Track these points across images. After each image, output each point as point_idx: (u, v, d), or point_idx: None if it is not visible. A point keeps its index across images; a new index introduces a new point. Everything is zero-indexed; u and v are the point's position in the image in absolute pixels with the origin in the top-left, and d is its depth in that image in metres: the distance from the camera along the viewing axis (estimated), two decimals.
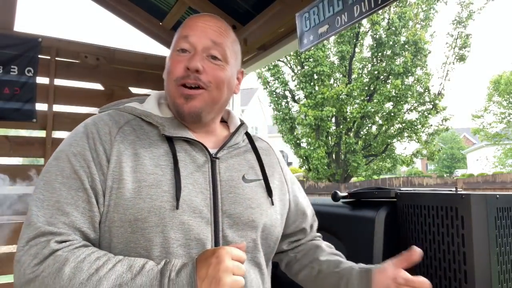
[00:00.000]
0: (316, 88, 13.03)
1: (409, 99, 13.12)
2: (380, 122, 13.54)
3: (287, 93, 14.07)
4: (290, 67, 14.01)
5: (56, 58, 3.01)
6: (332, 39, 13.33)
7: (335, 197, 1.23)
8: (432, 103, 13.42)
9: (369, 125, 13.77)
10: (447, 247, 0.93)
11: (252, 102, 20.19)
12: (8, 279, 2.91)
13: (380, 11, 11.23)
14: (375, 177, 14.09)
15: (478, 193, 0.93)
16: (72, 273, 0.68)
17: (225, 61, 0.90)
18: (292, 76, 13.90)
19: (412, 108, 13.78)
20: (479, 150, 25.83)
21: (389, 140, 13.58)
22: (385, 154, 13.84)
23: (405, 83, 12.84)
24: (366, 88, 13.09)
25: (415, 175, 19.51)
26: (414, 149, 14.52)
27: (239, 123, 1.01)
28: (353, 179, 14.99)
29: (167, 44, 3.42)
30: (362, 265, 0.94)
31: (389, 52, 12.78)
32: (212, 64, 0.87)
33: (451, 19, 14.63)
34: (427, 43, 12.85)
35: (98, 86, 3.14)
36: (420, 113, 13.66)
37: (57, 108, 2.89)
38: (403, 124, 13.57)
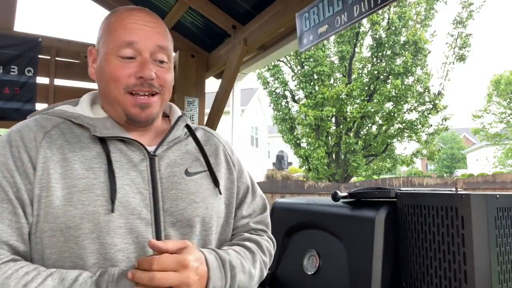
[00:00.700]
0: (316, 88, 13.03)
1: (409, 99, 13.12)
2: (380, 122, 13.54)
3: (287, 93, 14.07)
4: (290, 67, 14.00)
5: (56, 58, 3.01)
6: (332, 39, 13.33)
7: (335, 197, 1.23)
8: (432, 103, 13.42)
9: (369, 125, 13.77)
10: (447, 247, 0.93)
11: (252, 102, 20.18)
12: None
13: (380, 11, 11.22)
14: (375, 177, 14.09)
15: (478, 193, 0.93)
16: None
17: (170, 61, 0.90)
18: (292, 76, 13.90)
19: (412, 108, 13.78)
20: (479, 150, 25.82)
21: (389, 140, 13.57)
22: (385, 154, 13.84)
23: (405, 83, 12.83)
24: (366, 88, 13.09)
25: (415, 175, 19.50)
26: (414, 149, 14.51)
27: (178, 115, 0.97)
28: (353, 179, 14.99)
29: None
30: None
31: (389, 52, 12.78)
32: (160, 68, 0.86)
33: (451, 19, 14.61)
34: (427, 43, 12.84)
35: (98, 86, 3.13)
36: (420, 113, 13.65)
37: None
38: (403, 124, 13.57)
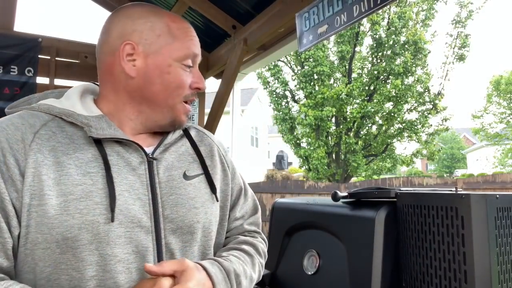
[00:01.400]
0: (316, 88, 13.03)
1: (409, 99, 13.12)
2: (380, 122, 13.54)
3: (287, 93, 14.07)
4: (290, 67, 14.00)
5: (56, 58, 3.01)
6: (332, 39, 13.33)
7: (335, 197, 1.23)
8: (432, 103, 13.43)
9: (369, 125, 13.77)
10: (447, 247, 0.93)
11: (252, 102, 20.18)
12: None
13: (379, 11, 11.22)
14: (375, 177, 14.08)
15: (478, 193, 0.93)
16: None
17: None
18: (292, 76, 13.90)
19: (412, 108, 13.78)
20: (479, 150, 25.83)
21: (389, 140, 13.58)
22: (385, 154, 13.84)
23: (405, 83, 12.83)
24: (366, 88, 13.09)
25: (415, 175, 19.50)
26: (414, 149, 14.51)
27: None
28: (353, 179, 14.99)
29: None
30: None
31: (389, 52, 12.78)
32: None
33: (451, 19, 14.59)
34: (427, 43, 12.85)
35: None
36: (420, 113, 13.66)
37: None
38: (403, 124, 13.57)
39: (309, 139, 13.35)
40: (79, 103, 0.80)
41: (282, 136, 14.48)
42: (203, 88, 0.85)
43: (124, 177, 0.75)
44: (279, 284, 1.43)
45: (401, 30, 12.71)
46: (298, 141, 14.00)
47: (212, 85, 3.86)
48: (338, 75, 13.66)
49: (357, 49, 13.50)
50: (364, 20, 12.40)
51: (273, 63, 13.07)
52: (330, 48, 13.56)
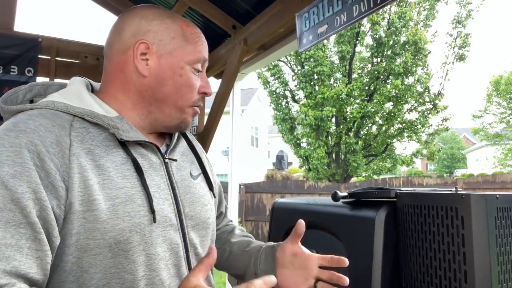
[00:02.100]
0: (316, 88, 13.03)
1: (409, 99, 13.13)
2: (380, 122, 13.54)
3: (287, 93, 14.08)
4: (290, 67, 14.01)
5: (56, 58, 3.01)
6: (332, 39, 13.33)
7: (335, 197, 1.23)
8: (432, 103, 13.43)
9: (369, 125, 13.77)
10: (447, 247, 0.93)
11: (252, 102, 20.19)
12: None
13: (380, 11, 11.22)
14: (375, 177, 14.09)
15: (478, 193, 0.93)
16: None
17: None
18: (292, 76, 13.91)
19: (412, 108, 13.79)
20: (479, 150, 25.84)
21: (389, 140, 13.58)
22: (385, 154, 13.85)
23: (405, 83, 12.84)
24: (366, 88, 13.09)
25: (415, 175, 19.50)
26: (414, 149, 14.52)
27: None
28: (353, 179, 14.99)
29: None
30: (270, 243, 0.96)
31: (389, 52, 12.78)
32: None
33: (451, 19, 14.60)
34: (427, 43, 12.85)
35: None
36: (420, 113, 13.66)
37: None
38: (403, 124, 13.57)
39: (309, 139, 13.36)
40: (95, 103, 0.78)
41: (282, 136, 14.49)
42: (210, 93, 0.87)
43: (152, 179, 0.76)
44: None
45: (401, 30, 12.72)
46: (298, 141, 14.01)
47: (212, 85, 3.86)
48: (338, 75, 13.66)
49: (357, 49, 13.51)
50: (365, 20, 12.40)
51: (273, 63, 13.08)
52: (330, 48, 13.57)
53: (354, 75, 13.48)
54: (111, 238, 0.67)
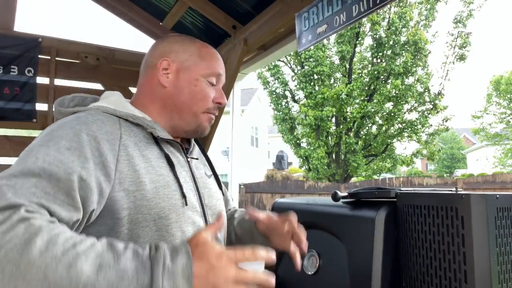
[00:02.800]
0: (316, 88, 13.03)
1: (409, 99, 13.12)
2: (380, 122, 13.54)
3: (287, 93, 14.07)
4: (290, 67, 14.00)
5: (56, 58, 3.01)
6: (332, 39, 13.33)
7: (335, 197, 1.23)
8: (432, 103, 13.42)
9: (369, 125, 13.77)
10: (447, 247, 0.93)
11: (252, 102, 20.18)
12: None
13: (380, 11, 11.22)
14: (375, 177, 14.09)
15: (478, 193, 0.93)
16: (45, 246, 0.57)
17: None
18: (292, 76, 13.90)
19: (412, 108, 13.78)
20: (479, 150, 25.83)
21: (389, 140, 13.57)
22: (385, 154, 13.84)
23: (405, 83, 12.83)
24: (366, 88, 13.09)
25: (415, 175, 19.50)
26: (414, 149, 14.51)
27: None
28: (353, 179, 14.99)
29: None
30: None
31: (389, 52, 12.78)
32: None
33: (451, 18, 14.59)
34: (427, 43, 12.84)
35: (98, 86, 3.14)
36: (420, 113, 13.66)
37: None
38: (403, 124, 13.57)
39: (309, 139, 13.35)
40: (135, 109, 0.97)
41: (282, 136, 14.48)
42: (224, 104, 1.03)
43: (180, 172, 0.93)
44: (279, 284, 1.43)
45: (401, 30, 12.71)
46: (298, 141, 14.00)
47: None
48: (338, 75, 13.66)
49: (357, 49, 13.50)
50: (365, 20, 12.40)
51: (273, 63, 13.07)
52: (331, 48, 13.56)
53: (354, 75, 13.47)
54: (155, 213, 0.82)
